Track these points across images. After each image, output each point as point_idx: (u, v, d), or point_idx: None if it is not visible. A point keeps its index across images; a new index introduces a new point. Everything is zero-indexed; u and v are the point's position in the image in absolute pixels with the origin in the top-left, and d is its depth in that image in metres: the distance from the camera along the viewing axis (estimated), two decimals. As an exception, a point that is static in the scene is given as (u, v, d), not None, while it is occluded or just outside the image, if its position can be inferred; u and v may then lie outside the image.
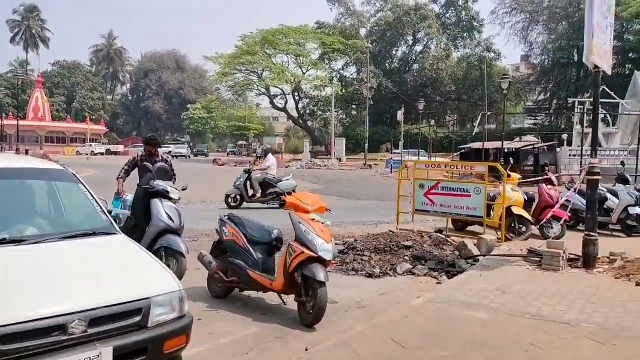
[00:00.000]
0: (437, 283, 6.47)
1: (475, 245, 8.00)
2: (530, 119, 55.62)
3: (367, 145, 41.99)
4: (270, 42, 50.82)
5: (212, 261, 5.77)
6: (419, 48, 60.63)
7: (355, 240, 8.32)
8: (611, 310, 4.95)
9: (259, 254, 5.36)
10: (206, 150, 64.00)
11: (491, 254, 7.80)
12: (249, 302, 5.61)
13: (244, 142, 66.76)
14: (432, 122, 58.04)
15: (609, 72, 7.16)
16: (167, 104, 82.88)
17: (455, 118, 62.78)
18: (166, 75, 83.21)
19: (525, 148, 24.79)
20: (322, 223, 5.07)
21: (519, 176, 10.97)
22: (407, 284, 6.43)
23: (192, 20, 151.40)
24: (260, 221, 5.81)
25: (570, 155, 23.20)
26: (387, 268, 6.98)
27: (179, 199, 6.74)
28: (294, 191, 13.26)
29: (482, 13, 59.18)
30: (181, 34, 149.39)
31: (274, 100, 55.99)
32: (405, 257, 7.30)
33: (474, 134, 32.82)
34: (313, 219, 5.03)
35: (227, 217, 5.74)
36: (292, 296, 5.07)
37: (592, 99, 26.80)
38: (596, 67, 6.93)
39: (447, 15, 60.22)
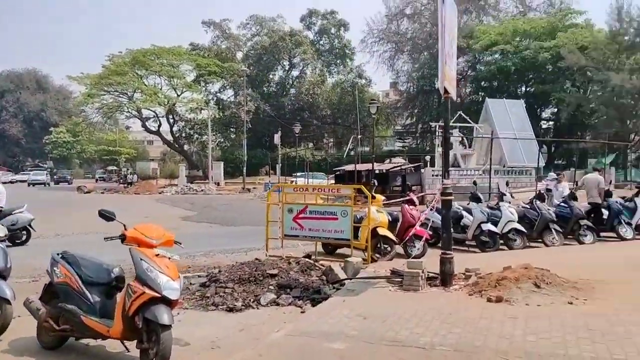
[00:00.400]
0: (302, 312, 6.23)
1: (342, 268, 7.95)
2: (400, 142, 59.03)
3: (245, 168, 41.55)
4: (141, 63, 48.78)
5: (41, 307, 5.00)
6: (295, 73, 61.97)
7: (220, 271, 7.86)
8: (464, 330, 5.03)
9: (96, 296, 4.72)
10: (69, 177, 59.03)
11: (357, 276, 7.78)
12: (87, 352, 4.93)
13: (115, 168, 62.78)
14: (310, 144, 59.30)
15: (455, 97, 7.58)
16: (27, 127, 75.68)
17: (332, 141, 64.74)
18: (25, 96, 76.16)
19: (394, 169, 26.02)
20: (169, 258, 4.60)
21: (383, 197, 11.28)
22: (269, 316, 6.11)
23: (56, 39, 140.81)
24: (101, 258, 5.17)
25: (432, 175, 24.72)
26: (250, 300, 6.62)
27: (6, 236, 5.84)
28: (30, 226, 12.15)
29: (353, 41, 61.93)
30: (43, 53, 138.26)
31: (147, 123, 53.61)
32: (270, 287, 6.99)
33: (345, 157, 33.87)
34: (158, 254, 4.54)
35: (59, 256, 5.02)
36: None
37: (450, 123, 28.94)
38: (446, 91, 7.27)
39: (321, 42, 62.35)
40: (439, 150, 27.51)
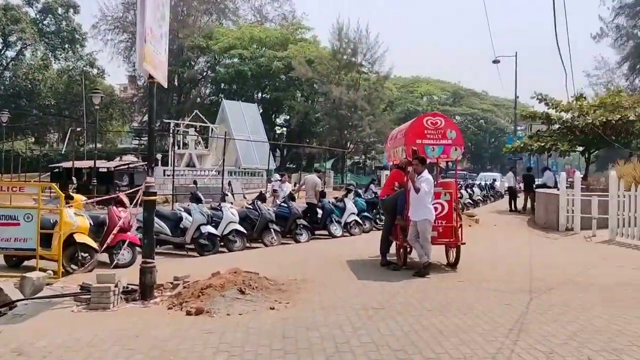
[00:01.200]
0: None
1: (17, 287, 6.34)
2: (137, 140, 55.62)
3: None
4: None
5: None
6: (11, 53, 52.72)
7: None
8: (147, 356, 4.18)
9: None
10: None
11: (37, 295, 6.29)
12: None
13: None
14: (32, 138, 51.46)
15: (165, 84, 6.76)
16: None
17: (59, 135, 57.30)
18: None
19: (120, 167, 23.93)
20: None
21: (84, 198, 9.75)
22: None
23: None
24: None
25: (164, 175, 23.55)
26: None
27: None
28: None
29: (84, 26, 55.64)
30: None
31: None
32: None
33: (71, 153, 29.99)
34: None
35: None
36: None
37: (187, 122, 28.01)
38: (151, 76, 6.37)
39: (45, 22, 54.45)
40: (174, 149, 26.48)
